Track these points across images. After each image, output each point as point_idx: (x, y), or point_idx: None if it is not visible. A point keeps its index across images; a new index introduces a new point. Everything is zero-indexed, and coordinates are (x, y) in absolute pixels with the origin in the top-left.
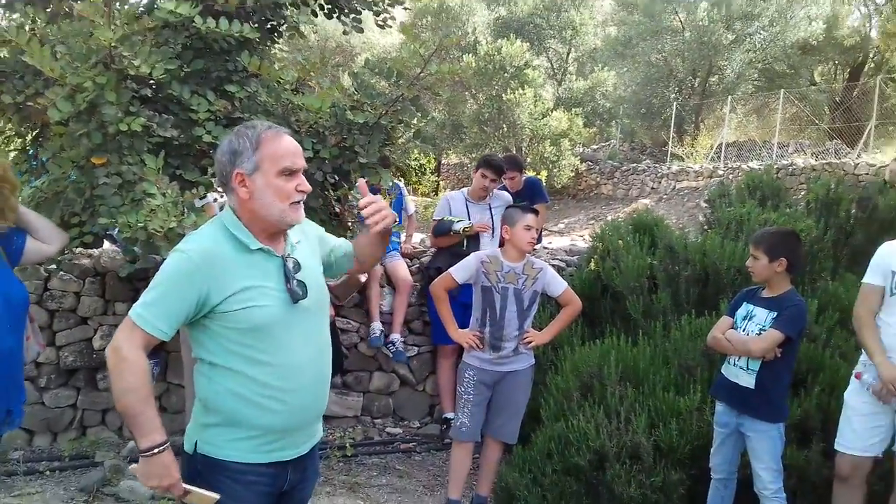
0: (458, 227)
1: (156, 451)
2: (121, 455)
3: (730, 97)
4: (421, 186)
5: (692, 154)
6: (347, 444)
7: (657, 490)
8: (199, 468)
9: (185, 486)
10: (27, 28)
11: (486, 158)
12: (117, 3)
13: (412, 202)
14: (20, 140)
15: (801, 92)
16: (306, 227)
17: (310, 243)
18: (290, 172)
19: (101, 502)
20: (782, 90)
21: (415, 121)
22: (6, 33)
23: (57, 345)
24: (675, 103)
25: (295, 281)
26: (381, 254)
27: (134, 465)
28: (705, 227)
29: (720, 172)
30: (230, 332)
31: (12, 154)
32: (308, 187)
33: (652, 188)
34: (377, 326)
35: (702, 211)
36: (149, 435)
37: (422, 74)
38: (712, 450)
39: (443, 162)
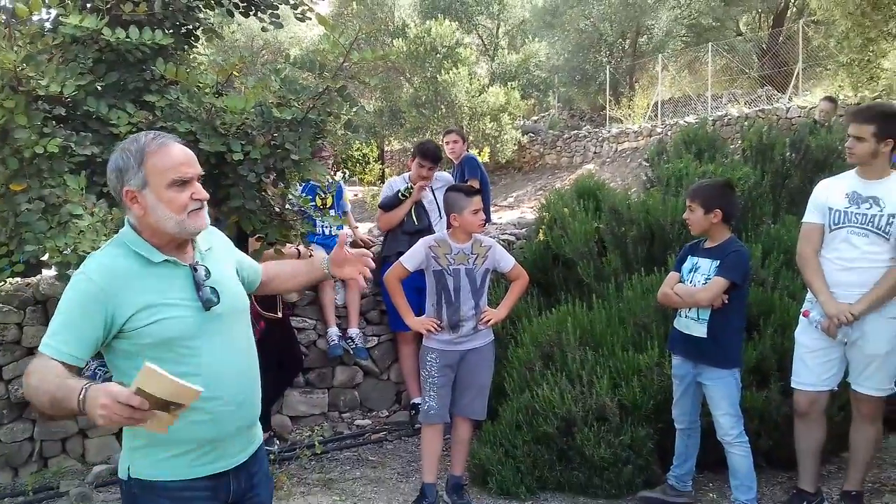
0: (401, 188)
1: (81, 394)
2: (86, 482)
3: (660, 55)
4: (366, 176)
5: (630, 115)
6: (316, 442)
7: (626, 448)
8: (135, 492)
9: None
10: None
11: (420, 148)
12: (19, 26)
13: (349, 201)
14: None
15: (728, 43)
16: (213, 235)
17: (222, 250)
18: (181, 183)
19: None
20: (710, 43)
21: (344, 111)
22: None
23: (5, 378)
24: (608, 67)
25: (208, 288)
26: (297, 289)
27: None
28: (647, 185)
29: (659, 130)
30: (142, 349)
31: None
32: (204, 195)
33: (595, 153)
34: (334, 332)
35: (644, 170)
36: (71, 395)
37: (345, 64)
38: (673, 401)
39: (385, 149)
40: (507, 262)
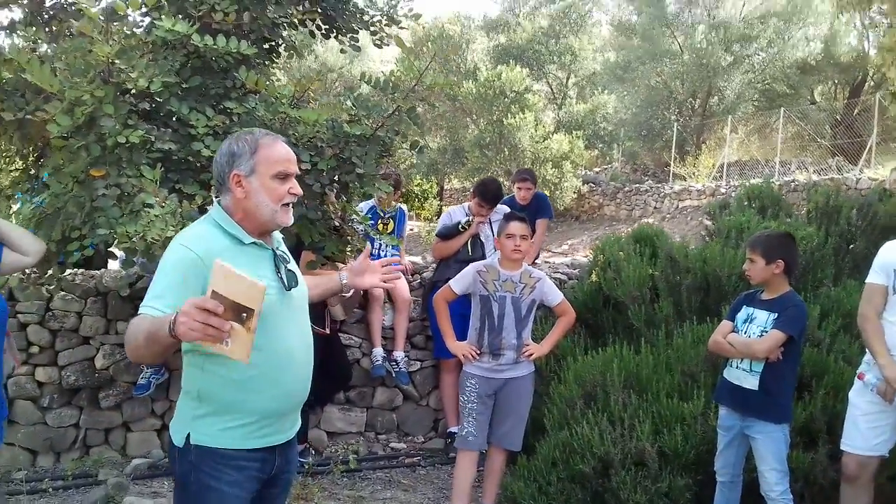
0: (461, 220)
1: (172, 317)
2: (124, 473)
3: (730, 117)
4: (424, 211)
5: (695, 174)
6: (351, 457)
7: (663, 496)
8: (192, 459)
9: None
10: (29, 49)
11: (481, 189)
12: (116, 22)
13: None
14: (22, 161)
15: (801, 110)
16: (280, 237)
17: (287, 251)
18: (283, 176)
19: None
20: (782, 109)
21: (411, 132)
22: (7, 53)
23: (59, 364)
24: (675, 124)
25: (286, 271)
26: (314, 301)
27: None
28: (706, 238)
29: (723, 191)
30: None
31: (14, 174)
32: (299, 191)
33: (655, 208)
34: (379, 353)
35: (704, 228)
36: (163, 323)
37: (417, 87)
38: (717, 453)
39: (445, 187)
40: (556, 296)
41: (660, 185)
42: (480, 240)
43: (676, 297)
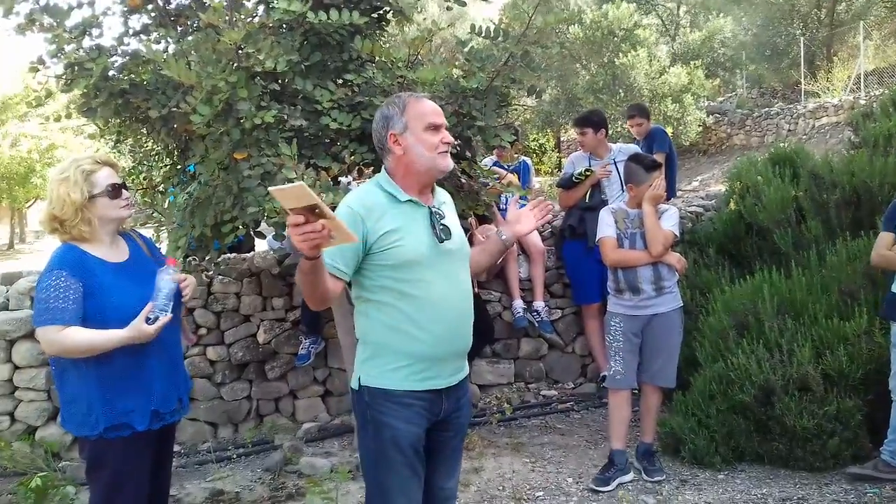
0: (576, 171)
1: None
2: (297, 437)
3: (862, 23)
4: (543, 166)
5: (829, 89)
6: (506, 407)
7: (832, 419)
8: (366, 399)
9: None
10: (162, 48)
11: (574, 119)
12: (237, 12)
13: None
14: (168, 158)
15: None
16: (447, 197)
17: (451, 209)
18: (434, 127)
19: (285, 479)
20: None
21: (527, 78)
22: (145, 54)
23: (226, 343)
24: (801, 39)
25: (440, 226)
26: (482, 270)
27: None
28: (850, 151)
29: (862, 102)
30: (383, 269)
31: (164, 170)
32: (451, 139)
33: (789, 130)
34: (519, 305)
35: (846, 146)
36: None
37: (527, 31)
38: (891, 372)
39: (562, 139)
40: (667, 225)
41: (791, 106)
42: (599, 184)
43: (824, 216)
